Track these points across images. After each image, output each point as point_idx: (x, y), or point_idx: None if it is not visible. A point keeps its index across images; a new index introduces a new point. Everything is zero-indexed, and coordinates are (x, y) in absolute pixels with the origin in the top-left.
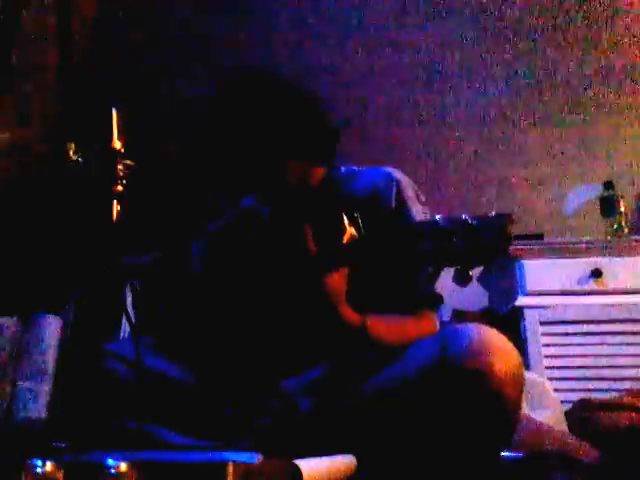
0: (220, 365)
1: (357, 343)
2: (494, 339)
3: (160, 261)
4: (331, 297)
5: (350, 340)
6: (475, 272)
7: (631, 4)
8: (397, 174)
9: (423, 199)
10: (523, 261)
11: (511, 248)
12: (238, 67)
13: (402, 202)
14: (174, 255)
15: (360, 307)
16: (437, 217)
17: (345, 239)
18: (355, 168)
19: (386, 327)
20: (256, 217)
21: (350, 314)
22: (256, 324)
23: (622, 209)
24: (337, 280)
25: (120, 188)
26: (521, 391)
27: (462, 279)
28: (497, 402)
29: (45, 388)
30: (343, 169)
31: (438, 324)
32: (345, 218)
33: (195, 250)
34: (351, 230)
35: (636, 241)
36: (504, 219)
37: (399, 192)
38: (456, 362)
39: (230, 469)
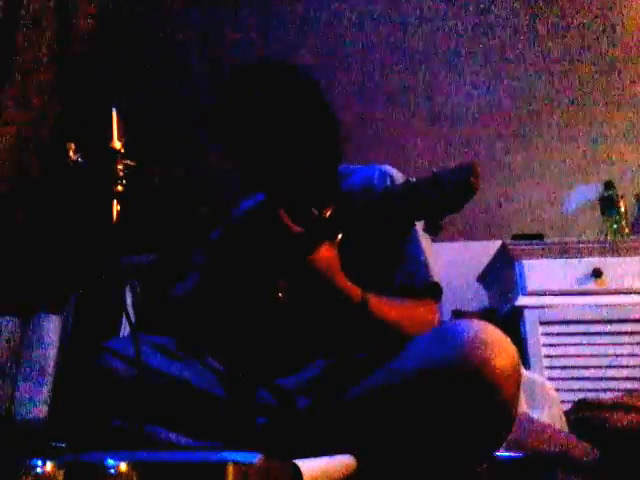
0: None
1: (358, 320)
2: (491, 334)
3: (160, 262)
4: (324, 271)
5: (351, 317)
6: (475, 272)
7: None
8: (390, 169)
9: None
10: (523, 261)
11: (511, 248)
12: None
13: None
14: (173, 258)
15: None
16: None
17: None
18: (352, 166)
19: (387, 305)
20: (254, 216)
21: (348, 286)
22: (253, 323)
23: (622, 209)
24: (325, 254)
25: (120, 188)
26: (519, 385)
27: (433, 229)
28: (495, 396)
29: (45, 388)
30: (340, 168)
31: (438, 315)
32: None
33: (194, 257)
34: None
35: (636, 241)
36: (469, 169)
37: (393, 184)
38: (454, 357)
39: (230, 469)
